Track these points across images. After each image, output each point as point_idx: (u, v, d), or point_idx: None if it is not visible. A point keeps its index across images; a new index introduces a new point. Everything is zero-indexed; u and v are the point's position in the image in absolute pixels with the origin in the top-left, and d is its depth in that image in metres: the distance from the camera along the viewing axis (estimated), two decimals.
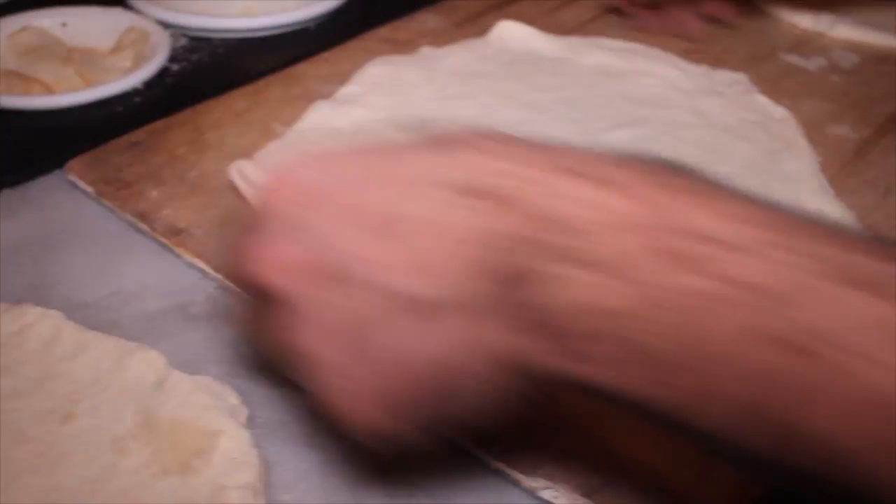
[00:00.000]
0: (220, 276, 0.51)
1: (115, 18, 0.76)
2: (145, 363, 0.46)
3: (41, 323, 0.48)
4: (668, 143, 0.61)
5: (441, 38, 0.73)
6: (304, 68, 0.69)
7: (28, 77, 0.71)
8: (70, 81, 0.71)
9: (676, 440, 0.34)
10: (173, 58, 0.72)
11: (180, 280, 0.52)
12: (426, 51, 0.70)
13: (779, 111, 0.66)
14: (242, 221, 0.37)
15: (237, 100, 0.65)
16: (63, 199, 0.58)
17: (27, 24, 0.75)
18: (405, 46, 0.71)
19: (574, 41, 0.72)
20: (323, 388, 0.35)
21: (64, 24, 0.76)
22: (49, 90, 0.70)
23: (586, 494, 0.40)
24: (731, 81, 0.69)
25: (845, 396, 0.27)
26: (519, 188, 0.32)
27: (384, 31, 0.74)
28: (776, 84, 0.71)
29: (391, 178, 0.34)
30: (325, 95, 0.64)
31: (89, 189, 0.57)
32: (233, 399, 0.45)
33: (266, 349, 0.39)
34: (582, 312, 0.30)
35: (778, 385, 0.28)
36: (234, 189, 0.54)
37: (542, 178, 0.32)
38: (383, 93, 0.64)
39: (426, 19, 0.77)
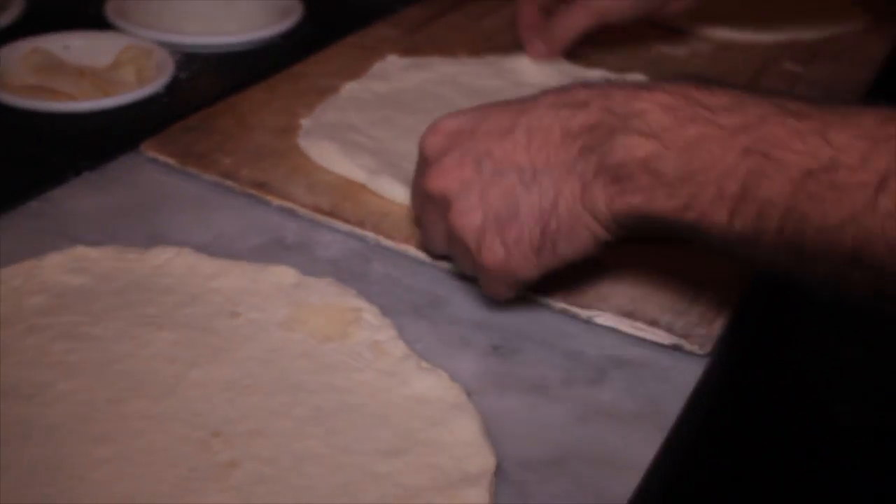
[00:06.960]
0: (308, 213, 0.65)
1: (111, 40, 0.88)
2: (279, 274, 0.60)
3: (179, 257, 0.61)
4: None
5: (399, 44, 0.90)
6: (302, 68, 0.83)
7: (52, 89, 0.82)
8: (90, 91, 0.83)
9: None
10: (177, 68, 0.85)
11: (269, 221, 0.66)
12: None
13: None
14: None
15: (257, 94, 0.79)
16: (142, 175, 0.70)
17: (35, 47, 0.86)
18: (373, 51, 0.87)
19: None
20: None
21: (66, 47, 0.88)
22: (73, 99, 0.82)
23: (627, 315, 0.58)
24: None
25: (786, 174, 0.45)
26: (601, 97, 0.52)
27: (352, 39, 0.90)
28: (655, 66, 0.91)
29: (511, 106, 0.56)
30: (328, 87, 0.79)
31: (171, 161, 0.70)
32: (354, 293, 0.59)
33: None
34: (633, 163, 0.49)
35: (750, 175, 0.46)
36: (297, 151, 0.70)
37: (614, 93, 0.52)
38: None
39: (381, 28, 0.93)
